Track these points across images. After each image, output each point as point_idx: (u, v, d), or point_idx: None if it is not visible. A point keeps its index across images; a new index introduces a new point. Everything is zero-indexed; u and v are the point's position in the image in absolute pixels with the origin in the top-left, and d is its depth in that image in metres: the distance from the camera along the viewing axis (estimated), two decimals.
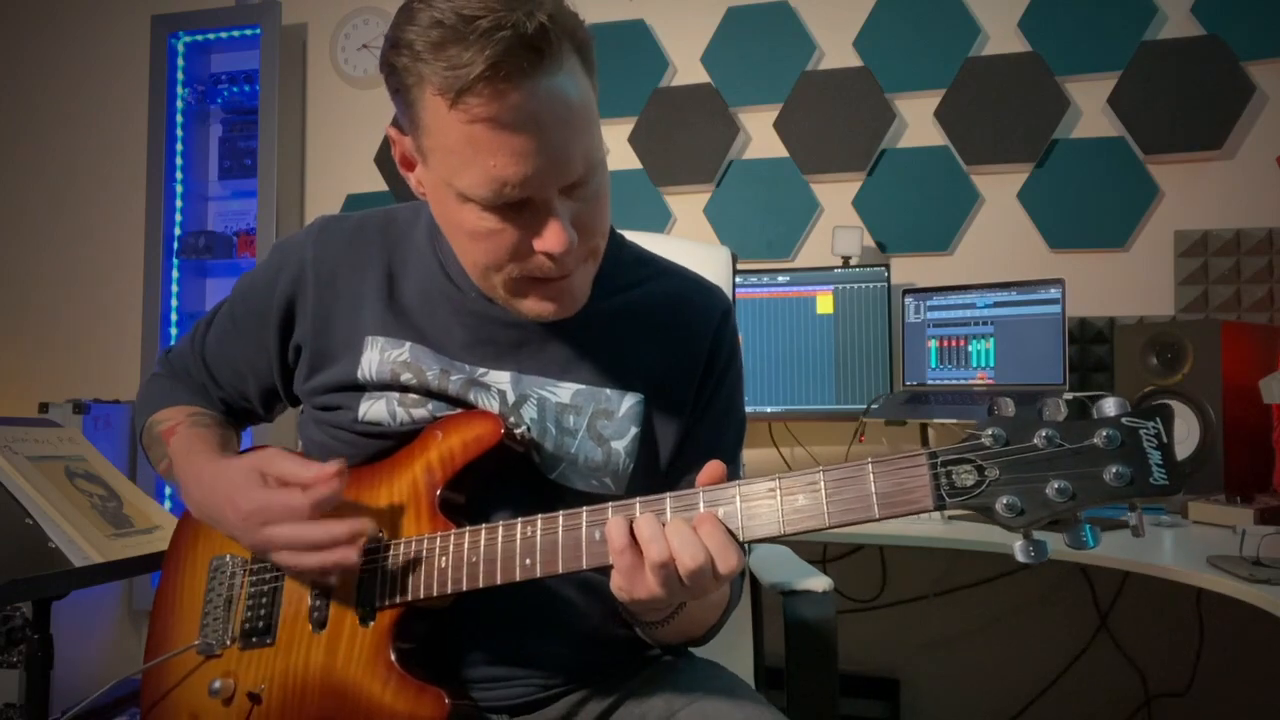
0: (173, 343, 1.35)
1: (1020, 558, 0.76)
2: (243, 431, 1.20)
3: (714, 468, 0.83)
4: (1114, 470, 0.72)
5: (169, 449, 1.06)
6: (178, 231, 3.07)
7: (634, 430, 1.00)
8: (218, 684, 0.98)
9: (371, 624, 0.93)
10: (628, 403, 1.01)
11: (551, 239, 0.86)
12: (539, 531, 0.87)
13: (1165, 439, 0.72)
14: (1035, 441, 0.74)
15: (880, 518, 0.77)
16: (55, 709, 1.57)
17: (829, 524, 0.78)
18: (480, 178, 0.83)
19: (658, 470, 1.03)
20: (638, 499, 0.84)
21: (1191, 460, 1.89)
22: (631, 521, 0.81)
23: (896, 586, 2.44)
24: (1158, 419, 0.73)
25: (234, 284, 1.15)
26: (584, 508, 0.86)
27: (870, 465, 0.78)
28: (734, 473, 1.00)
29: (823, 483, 0.79)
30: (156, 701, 1.03)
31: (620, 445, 1.00)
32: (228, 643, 1.00)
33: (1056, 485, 0.73)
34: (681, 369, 1.03)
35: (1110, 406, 0.74)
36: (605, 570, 0.85)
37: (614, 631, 1.02)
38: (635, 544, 0.80)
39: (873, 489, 0.77)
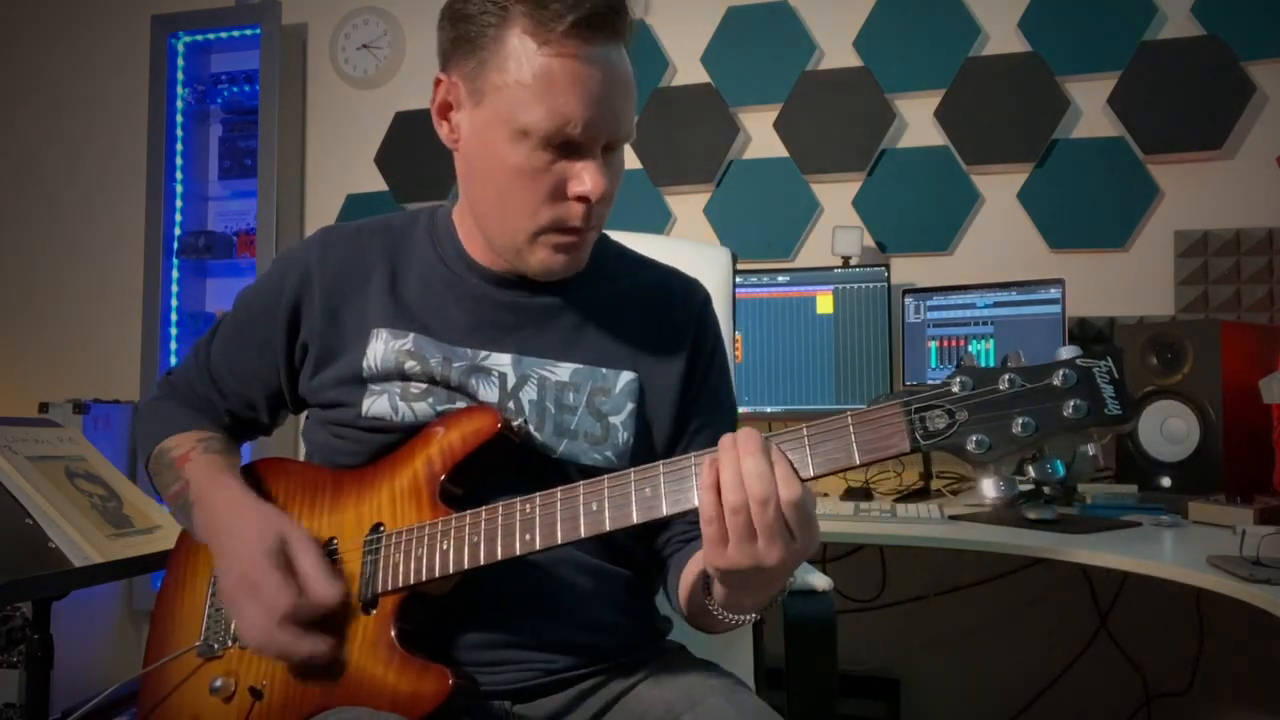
0: (173, 359, 1.36)
1: (990, 493, 0.82)
2: (244, 445, 1.21)
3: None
4: (1072, 404, 0.78)
5: (185, 473, 1.08)
6: (178, 231, 3.07)
7: (630, 406, 1.05)
8: (219, 682, 0.99)
9: (374, 611, 0.95)
10: (623, 380, 1.06)
11: (592, 182, 0.95)
12: (538, 507, 0.91)
13: (1117, 375, 0.79)
14: (999, 385, 0.80)
15: (861, 463, 0.82)
16: (55, 709, 1.57)
17: (814, 474, 0.83)
18: (548, 112, 0.92)
19: (653, 448, 1.07)
20: (633, 469, 0.88)
21: (1191, 460, 1.89)
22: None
23: (896, 586, 2.44)
24: (1109, 358, 0.79)
25: (235, 296, 1.18)
26: (580, 482, 0.90)
27: (850, 417, 0.83)
28: None
29: (806, 437, 0.84)
30: (156, 703, 1.04)
31: (618, 420, 1.05)
32: (229, 643, 1.01)
33: (1020, 421, 0.79)
34: (670, 351, 1.09)
35: (1065, 351, 0.80)
36: (602, 538, 0.89)
37: (613, 617, 1.04)
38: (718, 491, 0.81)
39: (853, 438, 0.82)
